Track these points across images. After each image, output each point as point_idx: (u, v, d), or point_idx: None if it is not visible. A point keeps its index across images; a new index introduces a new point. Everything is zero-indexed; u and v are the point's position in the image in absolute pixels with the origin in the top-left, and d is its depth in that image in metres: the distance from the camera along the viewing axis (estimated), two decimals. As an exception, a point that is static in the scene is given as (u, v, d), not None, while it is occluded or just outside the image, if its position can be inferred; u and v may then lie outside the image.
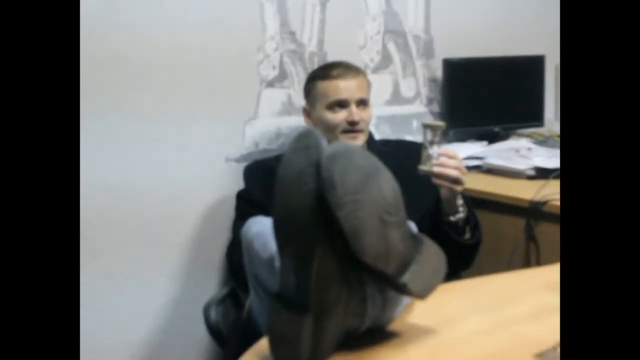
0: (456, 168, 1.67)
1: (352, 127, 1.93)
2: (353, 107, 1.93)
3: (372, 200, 1.06)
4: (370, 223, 1.06)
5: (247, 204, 1.95)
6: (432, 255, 1.17)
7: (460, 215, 1.76)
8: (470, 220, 1.79)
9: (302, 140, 1.10)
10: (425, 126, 1.64)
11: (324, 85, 1.95)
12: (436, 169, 1.65)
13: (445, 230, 1.74)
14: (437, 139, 1.64)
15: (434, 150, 1.64)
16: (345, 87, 1.94)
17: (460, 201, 1.75)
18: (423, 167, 1.64)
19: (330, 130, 1.93)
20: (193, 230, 2.19)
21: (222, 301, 2.00)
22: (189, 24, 2.11)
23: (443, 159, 1.65)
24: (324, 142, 1.09)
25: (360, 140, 1.94)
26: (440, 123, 1.65)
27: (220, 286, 2.22)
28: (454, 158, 1.68)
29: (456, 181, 1.68)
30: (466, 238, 1.79)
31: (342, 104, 1.94)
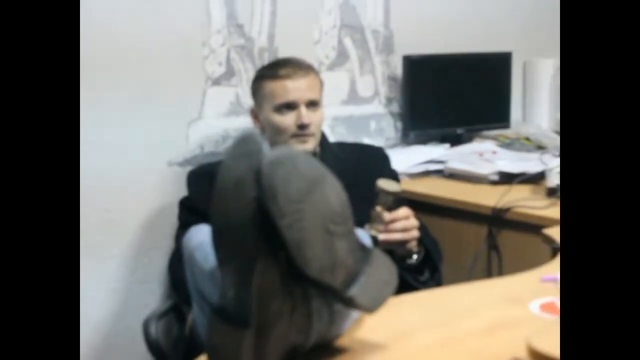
0: (405, 230, 1.75)
1: (301, 130, 1.94)
2: (302, 109, 1.94)
3: (317, 209, 1.09)
4: (314, 233, 1.08)
5: (190, 213, 1.96)
6: (382, 266, 1.20)
7: (415, 256, 1.83)
8: (429, 262, 1.85)
9: (242, 145, 1.12)
10: (381, 190, 1.70)
11: (271, 86, 1.96)
12: (382, 237, 1.73)
13: (400, 273, 1.79)
14: (390, 204, 1.70)
15: (384, 215, 1.71)
16: (294, 87, 1.94)
17: (413, 244, 1.81)
18: (370, 230, 1.71)
19: (279, 134, 1.95)
20: (132, 240, 2.19)
21: (163, 315, 2.00)
22: (125, 15, 2.10)
23: (392, 226, 1.73)
24: (265, 147, 1.11)
25: (310, 144, 1.96)
26: (397, 189, 1.71)
27: (162, 300, 2.22)
28: (404, 219, 1.75)
29: (405, 242, 1.77)
30: (423, 279, 1.84)
31: (290, 106, 1.95)
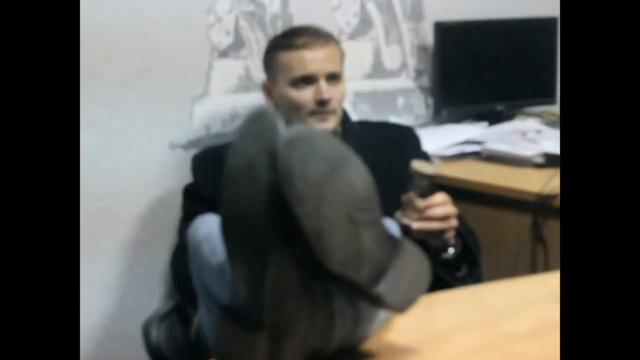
0: (442, 219, 1.73)
1: (321, 107, 1.94)
2: (322, 83, 1.94)
3: (339, 194, 1.08)
4: (337, 222, 1.07)
5: (195, 201, 1.97)
6: (413, 260, 1.19)
7: (452, 249, 1.82)
8: (467, 255, 1.84)
9: (254, 124, 1.11)
10: (415, 173, 1.68)
11: (286, 57, 1.96)
12: (416, 226, 1.71)
13: (434, 268, 1.79)
14: (425, 189, 1.68)
15: (418, 202, 1.69)
16: (312, 59, 1.95)
17: (450, 235, 1.80)
18: (402, 219, 1.70)
19: (296, 111, 1.95)
20: (129, 232, 2.20)
21: (165, 317, 2.01)
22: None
23: (427, 213, 1.71)
24: (280, 125, 1.11)
25: (331, 122, 1.96)
26: (434, 171, 1.69)
27: (164, 300, 2.23)
28: (441, 205, 1.73)
29: (441, 233, 1.75)
30: (460, 275, 1.83)
31: (308, 80, 1.95)
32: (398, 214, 1.70)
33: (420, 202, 1.70)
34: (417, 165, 1.68)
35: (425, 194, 1.70)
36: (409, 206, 1.70)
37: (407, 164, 2.01)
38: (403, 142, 2.10)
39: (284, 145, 1.07)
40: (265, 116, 1.12)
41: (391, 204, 1.85)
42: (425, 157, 2.09)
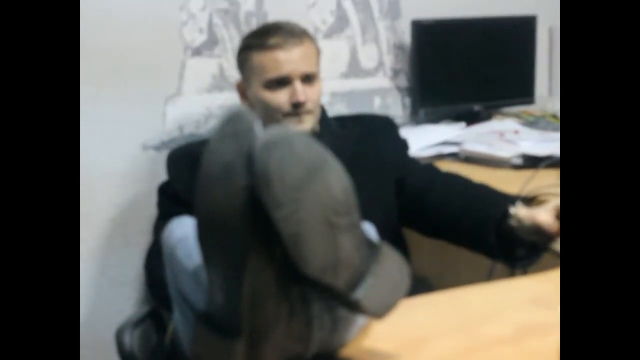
0: None
1: (297, 109, 1.92)
2: (297, 85, 1.92)
3: (318, 198, 1.08)
4: (314, 227, 1.07)
5: (171, 200, 1.95)
6: (392, 265, 1.19)
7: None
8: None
9: (230, 125, 1.11)
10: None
11: (259, 58, 1.93)
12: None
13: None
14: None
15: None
16: (286, 59, 1.91)
17: None
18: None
19: (271, 113, 1.92)
20: (101, 236, 2.19)
21: (139, 323, 2.00)
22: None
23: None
24: (257, 126, 1.11)
25: (308, 123, 1.95)
26: None
27: (138, 305, 2.22)
28: None
29: None
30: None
31: (283, 81, 1.92)
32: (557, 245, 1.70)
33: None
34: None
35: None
36: None
37: (385, 153, 2.02)
38: (380, 131, 2.10)
39: (261, 147, 1.07)
40: (242, 117, 1.12)
41: (371, 195, 1.87)
42: (403, 145, 2.11)
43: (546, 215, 1.68)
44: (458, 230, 1.90)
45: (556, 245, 1.68)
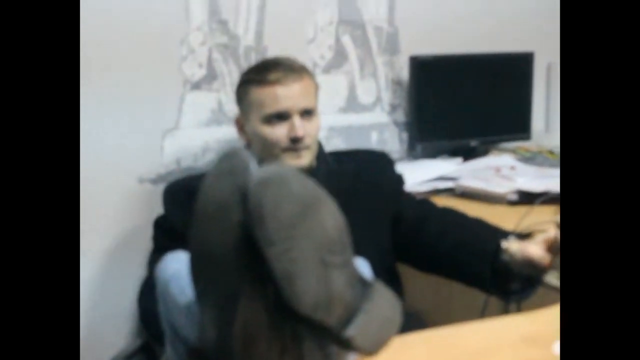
0: None
1: (295, 144, 1.92)
2: (296, 120, 1.92)
3: (311, 236, 1.09)
4: (308, 264, 1.08)
5: (166, 235, 1.96)
6: (385, 302, 1.20)
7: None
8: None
9: (226, 162, 1.12)
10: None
11: (258, 93, 1.93)
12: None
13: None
14: None
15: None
16: (285, 95, 1.92)
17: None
18: (554, 281, 1.70)
19: (269, 148, 1.93)
20: (96, 268, 2.19)
21: (132, 356, 2.00)
22: (91, 7, 2.10)
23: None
24: (253, 164, 1.12)
25: (305, 159, 1.95)
26: None
27: (131, 338, 2.21)
28: None
29: None
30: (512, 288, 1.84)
31: (282, 116, 1.92)
32: (551, 277, 1.70)
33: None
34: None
35: None
36: (559, 264, 1.68)
37: (381, 189, 2.03)
38: (376, 167, 2.11)
39: (255, 185, 1.08)
40: (238, 154, 1.13)
41: (366, 231, 1.87)
42: (399, 180, 2.12)
43: (536, 248, 1.69)
44: (453, 264, 1.91)
45: (550, 279, 1.68)
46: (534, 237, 1.77)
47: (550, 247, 1.67)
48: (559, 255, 1.65)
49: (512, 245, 1.77)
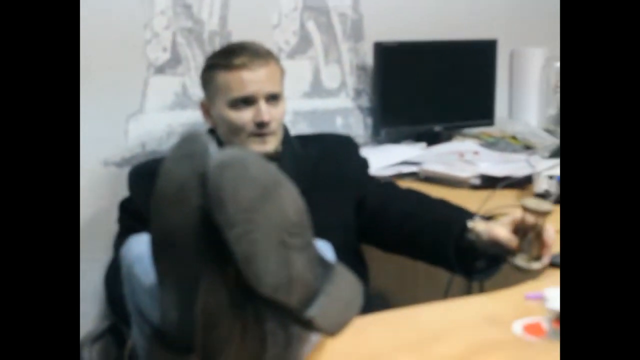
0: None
1: (261, 129, 1.93)
2: (262, 105, 1.93)
3: (271, 218, 1.10)
4: (268, 246, 1.09)
5: (131, 216, 1.96)
6: (346, 284, 1.21)
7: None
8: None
9: (185, 146, 1.12)
10: (533, 212, 1.63)
11: (225, 77, 1.93)
12: (542, 266, 1.67)
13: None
14: (541, 228, 1.64)
15: (539, 241, 1.66)
16: (251, 79, 1.92)
17: None
18: (520, 262, 1.67)
19: (235, 132, 1.93)
20: (62, 251, 2.18)
21: (99, 338, 2.00)
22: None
23: (548, 250, 1.67)
24: (212, 147, 1.12)
25: (271, 144, 1.95)
26: (550, 208, 1.63)
27: (98, 320, 2.21)
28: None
29: None
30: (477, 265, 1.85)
31: (248, 101, 1.93)
32: (516, 259, 1.68)
33: (546, 242, 1.66)
34: (530, 203, 1.64)
35: (540, 232, 1.66)
36: (529, 248, 1.67)
37: (345, 172, 2.04)
38: (341, 151, 2.12)
39: (214, 168, 1.08)
40: (197, 138, 1.13)
41: (331, 213, 1.88)
42: (363, 164, 2.13)
43: (503, 230, 1.70)
44: (418, 245, 1.92)
45: (517, 261, 1.69)
46: (497, 220, 1.79)
47: (516, 229, 1.68)
48: (526, 238, 1.67)
49: (478, 225, 1.78)
